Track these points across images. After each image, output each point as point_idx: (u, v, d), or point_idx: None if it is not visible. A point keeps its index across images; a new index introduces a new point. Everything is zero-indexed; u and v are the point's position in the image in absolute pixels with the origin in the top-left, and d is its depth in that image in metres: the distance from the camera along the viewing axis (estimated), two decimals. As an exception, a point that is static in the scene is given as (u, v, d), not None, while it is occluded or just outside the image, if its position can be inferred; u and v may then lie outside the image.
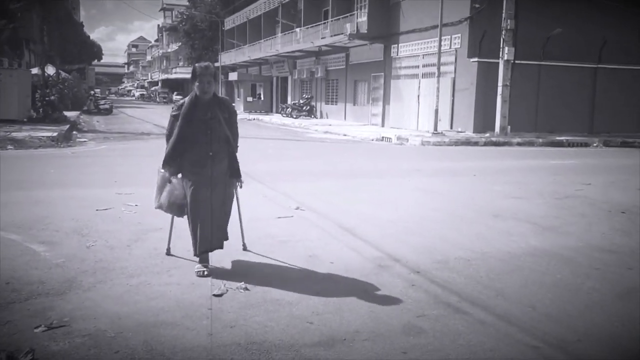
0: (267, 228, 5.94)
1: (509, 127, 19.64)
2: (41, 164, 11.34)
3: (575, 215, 7.07)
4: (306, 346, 3.22)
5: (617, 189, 9.24)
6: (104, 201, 7.18)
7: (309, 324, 3.52)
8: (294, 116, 32.88)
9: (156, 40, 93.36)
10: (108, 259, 4.74)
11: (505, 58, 19.17)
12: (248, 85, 43.66)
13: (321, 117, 33.21)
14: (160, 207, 4.66)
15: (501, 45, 19.19)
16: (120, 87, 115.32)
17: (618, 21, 21.12)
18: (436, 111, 20.27)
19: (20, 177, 9.32)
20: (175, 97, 58.54)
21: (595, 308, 3.94)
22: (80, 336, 3.26)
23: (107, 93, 74.21)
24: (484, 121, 20.25)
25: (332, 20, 28.65)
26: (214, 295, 3.97)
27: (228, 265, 4.63)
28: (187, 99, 4.49)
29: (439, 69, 20.23)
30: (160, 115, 32.19)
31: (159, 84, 78.65)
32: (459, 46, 20.95)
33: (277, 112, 39.32)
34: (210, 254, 4.53)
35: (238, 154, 4.65)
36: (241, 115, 33.79)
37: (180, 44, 64.63)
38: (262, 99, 42.85)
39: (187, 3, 60.84)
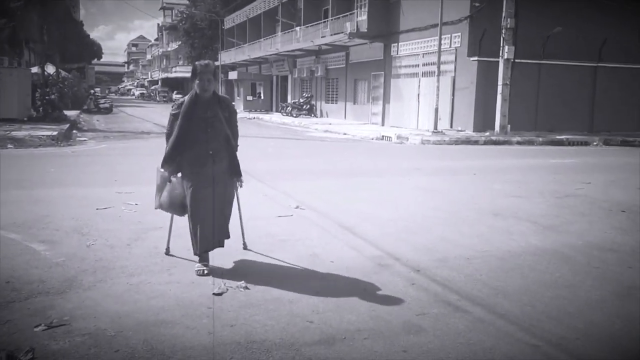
0: (267, 227, 5.94)
1: (509, 126, 19.64)
2: (41, 163, 11.34)
3: (575, 214, 7.08)
4: (306, 345, 3.22)
5: (617, 188, 9.25)
6: (104, 200, 7.18)
7: (309, 323, 3.52)
8: (294, 115, 32.88)
9: (156, 39, 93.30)
10: (108, 258, 4.74)
11: (505, 57, 19.17)
12: (248, 84, 43.64)
13: (321, 116, 33.21)
14: (160, 207, 4.65)
15: (501, 44, 19.19)
16: (120, 86, 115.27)
17: (618, 20, 21.11)
18: (436, 110, 20.27)
19: (20, 176, 9.32)
20: (175, 96, 58.49)
21: (595, 307, 3.94)
22: (80, 335, 3.26)
23: (107, 92, 74.19)
24: (484, 120, 20.25)
25: (332, 19, 28.64)
26: (214, 294, 3.97)
27: (228, 264, 4.63)
28: (187, 97, 4.47)
29: (439, 67, 20.22)
30: (160, 114, 32.18)
31: (159, 83, 78.63)
32: (459, 45, 20.94)
33: (277, 111, 39.31)
34: (210, 253, 4.52)
35: (238, 153, 4.65)
36: (241, 114, 33.79)
37: (180, 42, 64.59)
38: (262, 97, 42.84)
39: (187, 2, 60.84)
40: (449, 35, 21.17)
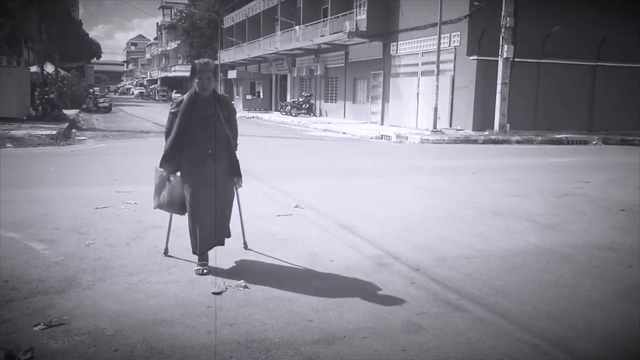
0: (266, 226, 5.94)
1: (508, 125, 19.65)
2: (40, 162, 11.33)
3: (574, 213, 7.07)
4: (306, 344, 3.22)
5: (616, 187, 9.25)
6: (103, 199, 7.17)
7: (309, 322, 3.52)
8: (293, 114, 32.86)
9: (155, 38, 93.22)
10: (107, 257, 4.73)
11: (505, 56, 19.17)
12: (247, 83, 43.60)
13: (320, 115, 33.19)
14: (160, 206, 4.62)
15: (500, 43, 19.19)
16: (119, 85, 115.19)
17: (617, 19, 21.11)
18: (435, 109, 20.27)
19: (19, 175, 9.31)
20: (174, 95, 58.37)
21: (594, 306, 3.94)
22: (79, 334, 3.26)
23: (106, 91, 74.14)
24: (483, 119, 20.25)
25: (331, 18, 28.62)
26: (214, 293, 3.96)
27: (227, 264, 4.63)
28: (186, 95, 4.44)
29: (438, 66, 20.22)
30: (159, 114, 32.15)
31: (158, 82, 78.55)
32: (458, 44, 20.94)
33: (276, 110, 39.29)
34: (210, 252, 4.51)
35: (237, 152, 4.64)
36: (240, 113, 33.76)
37: (179, 42, 64.50)
38: (262, 97, 42.82)
39: (187, 1, 60.76)
40: (448, 34, 21.16)
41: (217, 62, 44.11)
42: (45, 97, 23.03)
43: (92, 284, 4.10)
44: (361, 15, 26.45)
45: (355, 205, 7.31)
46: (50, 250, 4.88)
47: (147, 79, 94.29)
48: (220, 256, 4.63)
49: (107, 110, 35.16)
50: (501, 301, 3.97)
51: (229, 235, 4.67)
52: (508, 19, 18.98)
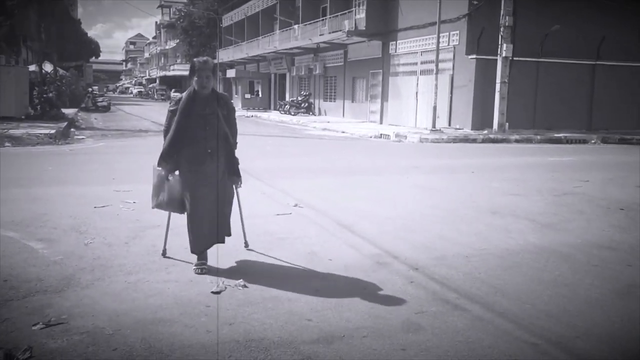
0: (265, 225, 5.93)
1: (507, 124, 19.64)
2: (39, 161, 11.32)
3: (573, 212, 7.08)
4: (305, 343, 3.22)
5: (615, 186, 9.25)
6: (102, 198, 7.16)
7: (308, 321, 3.52)
8: (292, 113, 32.85)
9: (154, 38, 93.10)
10: (106, 257, 4.73)
11: (504, 55, 19.17)
12: (246, 82, 43.57)
13: (319, 114, 33.18)
14: (158, 206, 4.59)
15: (499, 42, 19.19)
16: (118, 84, 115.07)
17: (616, 18, 21.11)
18: (434, 108, 20.27)
19: (18, 174, 9.30)
20: (173, 94, 58.31)
21: (594, 305, 3.94)
22: (78, 333, 3.25)
23: (104, 90, 74.06)
24: (482, 118, 20.26)
25: (330, 17, 28.60)
26: (213, 292, 3.96)
27: (226, 263, 4.62)
28: (185, 93, 4.43)
29: (437, 66, 20.22)
30: (158, 113, 32.12)
31: (157, 81, 78.48)
32: (457, 43, 20.93)
33: (275, 109, 39.28)
34: (209, 251, 4.51)
35: (237, 151, 4.62)
36: (239, 112, 33.70)
37: (178, 41, 64.46)
38: (260, 96, 42.80)
39: (185, 0, 60.67)
40: (447, 33, 21.16)
41: (215, 61, 44.09)
42: (44, 96, 23.00)
43: (90, 283, 4.10)
44: (360, 14, 26.43)
45: (354, 204, 7.31)
46: (49, 250, 4.88)
47: (145, 78, 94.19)
48: (220, 256, 4.63)
49: (106, 109, 35.11)
50: (500, 300, 3.97)
51: (229, 234, 4.66)
52: (507, 17, 18.98)
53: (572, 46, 20.99)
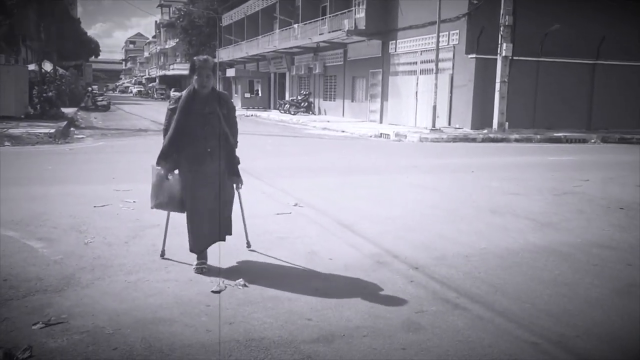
0: (265, 225, 5.93)
1: (507, 123, 19.64)
2: (39, 160, 11.31)
3: (573, 212, 7.08)
4: (305, 342, 3.22)
5: (615, 185, 9.25)
6: (102, 198, 7.16)
7: (308, 321, 3.52)
8: (292, 112, 32.83)
9: (154, 37, 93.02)
10: (106, 256, 4.73)
11: (503, 54, 19.16)
12: (246, 82, 43.55)
13: (319, 113, 33.16)
14: (158, 206, 4.56)
15: (499, 42, 19.18)
16: (117, 84, 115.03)
17: (616, 17, 21.10)
18: (434, 108, 20.26)
19: (17, 173, 9.30)
20: (172, 93, 58.33)
21: (594, 304, 3.94)
22: (78, 333, 3.25)
23: (104, 89, 74.06)
24: (481, 117, 20.25)
25: (330, 17, 28.59)
26: (213, 291, 3.96)
27: (227, 262, 4.61)
28: (184, 92, 4.41)
29: (437, 65, 20.20)
30: (157, 112, 32.09)
31: (157, 80, 78.44)
32: (457, 42, 20.92)
33: (275, 109, 39.26)
34: (209, 251, 4.50)
35: (237, 150, 4.60)
36: (239, 111, 33.52)
37: (177, 40, 64.43)
38: (260, 95, 42.78)
39: (185, -1, 60.71)
40: (447, 33, 21.14)
41: (215, 60, 43.97)
42: (44, 95, 22.99)
43: (90, 282, 4.10)
44: (360, 14, 26.42)
45: (354, 204, 7.31)
46: (48, 249, 4.88)
47: (145, 77, 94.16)
48: (218, 254, 4.62)
49: (106, 108, 35.11)
50: (500, 299, 3.97)
51: (230, 233, 4.64)
52: (507, 17, 18.96)
53: (572, 45, 20.98)
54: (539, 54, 20.83)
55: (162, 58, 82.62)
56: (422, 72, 23.24)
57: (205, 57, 4.45)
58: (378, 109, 26.74)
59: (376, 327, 3.45)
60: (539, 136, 18.77)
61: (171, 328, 3.35)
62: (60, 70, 35.81)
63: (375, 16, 25.45)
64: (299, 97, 34.41)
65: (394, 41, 25.11)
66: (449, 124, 21.38)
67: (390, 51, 25.50)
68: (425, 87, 22.60)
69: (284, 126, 25.47)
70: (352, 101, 29.71)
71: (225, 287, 4.05)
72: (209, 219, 4.41)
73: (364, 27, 25.49)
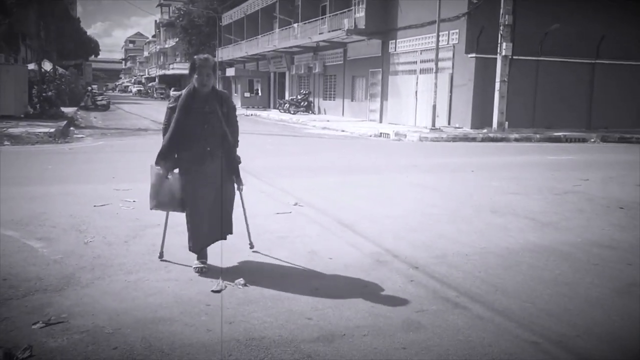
0: (265, 224, 5.93)
1: (507, 122, 19.64)
2: (38, 160, 11.31)
3: (573, 211, 7.08)
4: (305, 342, 3.21)
5: (615, 185, 9.25)
6: (101, 197, 7.16)
7: (308, 320, 3.51)
8: (292, 112, 32.83)
9: (153, 36, 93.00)
10: (106, 255, 4.72)
11: (503, 54, 19.15)
12: (245, 81, 43.55)
13: (319, 113, 33.15)
14: (158, 206, 4.52)
15: (499, 41, 19.17)
16: (117, 83, 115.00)
17: (616, 17, 21.10)
18: (434, 107, 20.26)
19: (17, 173, 9.29)
20: (172, 93, 58.34)
21: (594, 304, 3.94)
22: (78, 332, 3.25)
23: (104, 89, 74.04)
24: (481, 117, 20.25)
25: (330, 16, 28.59)
26: (213, 291, 3.95)
27: (227, 262, 4.61)
28: (184, 90, 4.40)
29: (436, 64, 20.20)
30: (157, 111, 32.08)
31: (156, 79, 78.43)
32: (457, 42, 20.92)
33: (274, 108, 39.26)
34: (209, 251, 4.50)
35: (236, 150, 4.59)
36: (239, 111, 33.23)
37: (177, 39, 64.41)
38: (260, 94, 42.78)
39: (185, -2, 60.68)
40: (447, 32, 21.14)
41: (215, 59, 44.00)
42: (43, 94, 22.98)
43: (90, 282, 4.09)
44: (360, 13, 26.41)
45: (354, 203, 7.31)
46: (48, 249, 4.87)
47: (145, 76, 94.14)
48: (219, 254, 4.61)
49: (105, 108, 35.11)
50: (500, 299, 3.97)
51: (230, 232, 4.61)
52: (507, 16, 18.96)
53: (571, 45, 20.98)
54: (538, 54, 20.83)
55: (161, 57, 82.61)
56: (421, 71, 23.24)
57: (205, 56, 4.44)
58: (378, 108, 26.74)
59: (376, 326, 3.45)
60: (538, 135, 18.78)
61: (171, 327, 3.35)
62: (60, 70, 35.83)
63: (375, 15, 25.44)
64: (299, 97, 34.40)
65: (394, 40, 25.11)
66: (449, 123, 21.37)
67: (390, 50, 25.50)
68: (425, 86, 22.60)
69: (284, 125, 25.46)
70: (352, 100, 29.70)
71: (226, 286, 4.04)
72: (209, 219, 4.40)
73: (363, 27, 25.48)
